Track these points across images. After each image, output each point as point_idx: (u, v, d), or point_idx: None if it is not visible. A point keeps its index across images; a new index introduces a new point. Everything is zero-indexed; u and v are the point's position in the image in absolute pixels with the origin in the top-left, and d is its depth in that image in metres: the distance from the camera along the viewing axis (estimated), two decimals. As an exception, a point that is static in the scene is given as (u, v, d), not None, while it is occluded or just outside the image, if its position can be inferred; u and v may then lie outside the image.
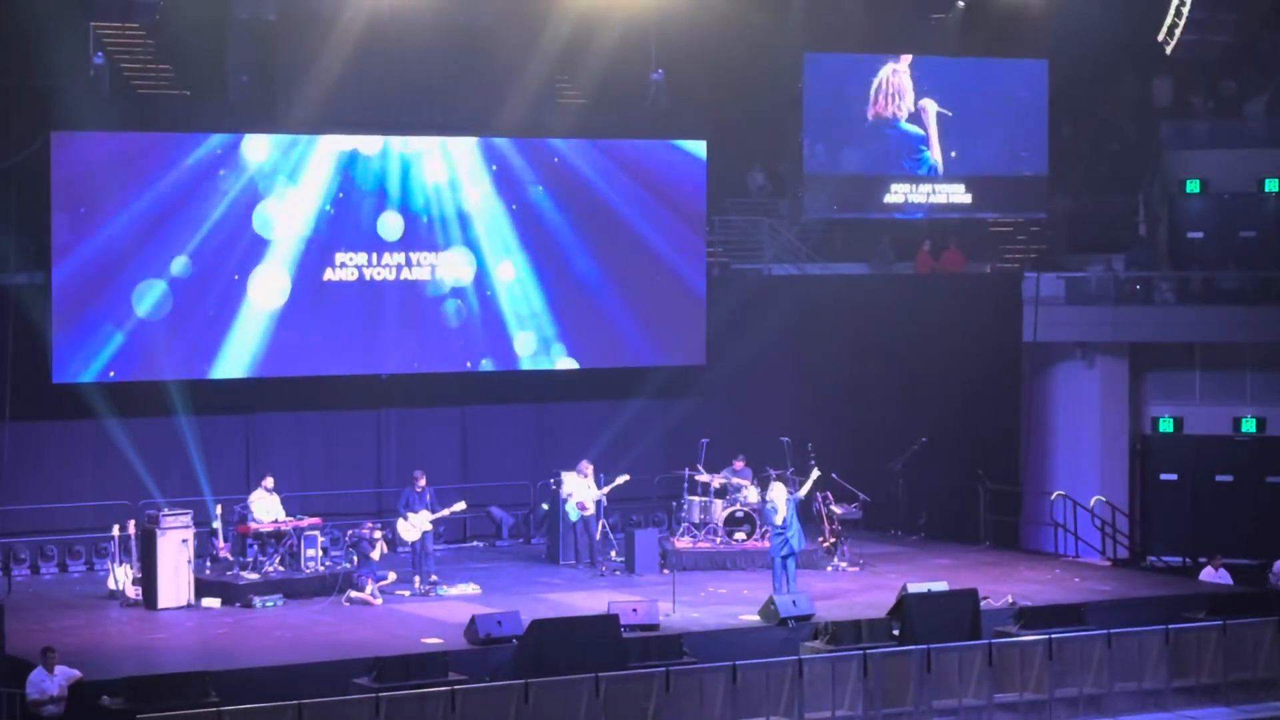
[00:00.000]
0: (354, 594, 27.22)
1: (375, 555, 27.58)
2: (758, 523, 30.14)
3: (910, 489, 33.17)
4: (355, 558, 27.70)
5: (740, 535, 30.30)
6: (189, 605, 26.91)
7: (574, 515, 30.00)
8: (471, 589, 28.15)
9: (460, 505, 29.19)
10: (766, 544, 29.40)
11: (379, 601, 27.14)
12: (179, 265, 30.20)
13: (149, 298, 30.01)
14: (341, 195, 31.24)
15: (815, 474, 28.01)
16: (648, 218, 33.17)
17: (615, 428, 32.94)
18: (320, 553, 28.01)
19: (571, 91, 33.94)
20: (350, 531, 28.12)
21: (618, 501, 31.20)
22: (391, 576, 27.78)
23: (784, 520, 26.83)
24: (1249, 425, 36.24)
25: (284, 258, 30.90)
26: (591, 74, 33.26)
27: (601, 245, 32.93)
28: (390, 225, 31.58)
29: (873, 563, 30.31)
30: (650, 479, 32.46)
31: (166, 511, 27.33)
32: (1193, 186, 37.69)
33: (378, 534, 27.89)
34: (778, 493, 27.05)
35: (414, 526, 28.33)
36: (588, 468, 30.14)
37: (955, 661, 23.76)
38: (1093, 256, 37.72)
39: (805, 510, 31.03)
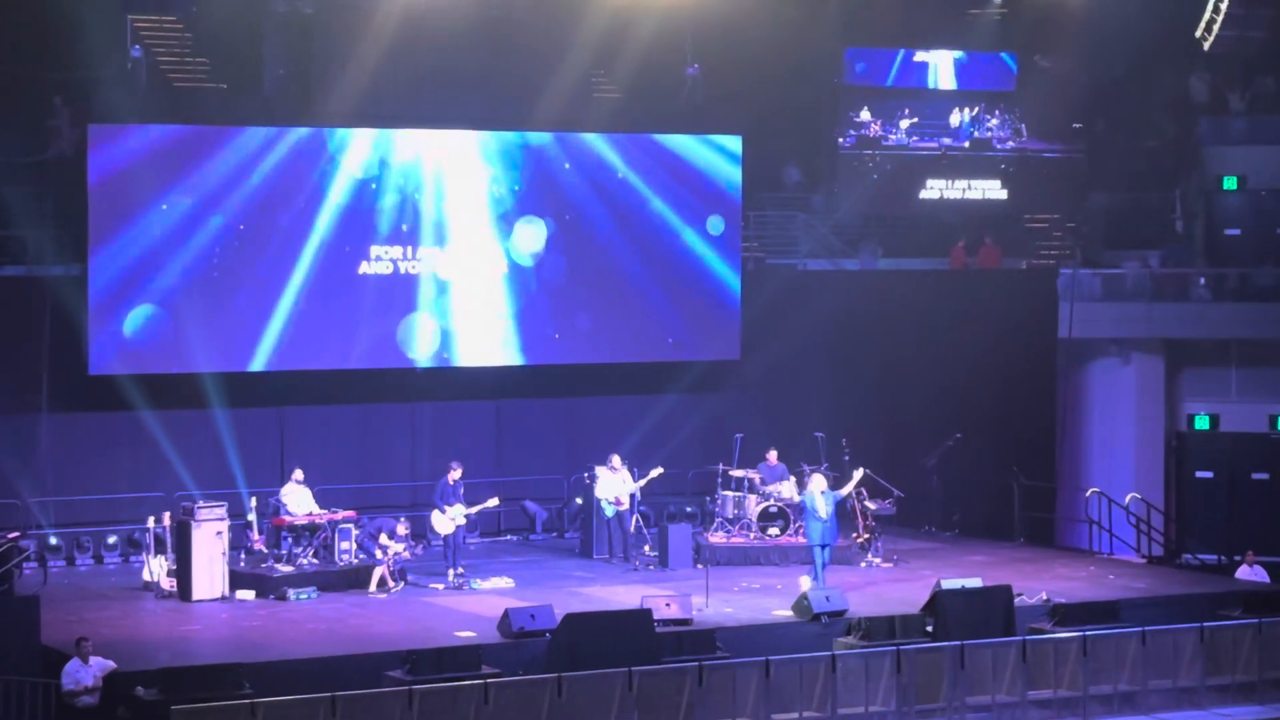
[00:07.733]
0: (373, 586, 27.35)
1: (396, 536, 27.69)
2: (792, 518, 30.10)
3: (944, 485, 33.13)
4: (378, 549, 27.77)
5: (774, 530, 30.22)
6: (223, 597, 26.97)
7: (609, 511, 29.99)
8: (505, 582, 28.15)
9: (494, 501, 29.20)
10: (801, 540, 29.37)
11: (395, 586, 27.29)
12: (215, 257, 30.29)
13: (184, 290, 30.08)
14: (377, 188, 31.28)
15: (859, 474, 27.97)
16: (683, 212, 33.18)
17: (649, 422, 32.90)
18: (354, 545, 28.06)
19: (607, 86, 33.91)
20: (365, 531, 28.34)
21: (651, 496, 31.18)
22: (402, 529, 27.91)
23: (827, 513, 26.81)
24: (1285, 423, 36.16)
25: (319, 250, 30.94)
26: (627, 68, 33.23)
27: (636, 240, 32.93)
28: (426, 218, 31.63)
29: (906, 559, 30.26)
30: (684, 474, 32.44)
31: (201, 504, 27.37)
32: (1229, 183, 37.56)
33: (401, 530, 28.08)
34: (816, 485, 27.04)
35: (449, 519, 28.37)
36: (618, 462, 30.13)
37: (989, 658, 23.68)
38: (1129, 253, 37.61)
39: (840, 506, 31.10)
